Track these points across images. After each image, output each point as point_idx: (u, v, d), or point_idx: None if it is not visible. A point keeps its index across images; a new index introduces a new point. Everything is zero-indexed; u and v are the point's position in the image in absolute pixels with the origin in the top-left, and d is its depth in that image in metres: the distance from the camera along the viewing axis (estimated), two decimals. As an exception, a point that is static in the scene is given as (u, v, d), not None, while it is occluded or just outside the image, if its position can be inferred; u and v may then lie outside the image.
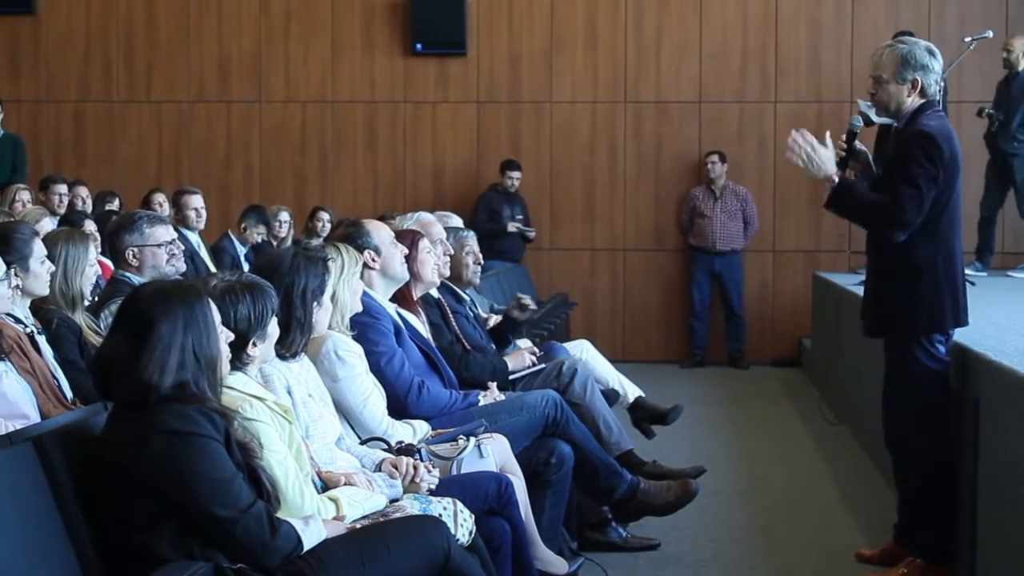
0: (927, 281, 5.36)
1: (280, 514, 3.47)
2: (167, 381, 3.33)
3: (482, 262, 7.20)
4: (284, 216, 11.46)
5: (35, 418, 4.42)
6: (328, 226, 11.39)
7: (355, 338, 4.89)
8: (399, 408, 5.07)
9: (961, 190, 5.48)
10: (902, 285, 5.40)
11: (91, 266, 5.39)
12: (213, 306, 3.52)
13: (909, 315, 5.38)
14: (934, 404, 5.45)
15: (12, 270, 4.72)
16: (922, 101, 5.44)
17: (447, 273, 6.62)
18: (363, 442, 4.67)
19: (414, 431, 4.92)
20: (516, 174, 12.94)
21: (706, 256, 12.87)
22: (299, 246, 4.88)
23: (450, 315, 6.36)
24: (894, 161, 5.47)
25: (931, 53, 5.48)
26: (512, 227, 12.73)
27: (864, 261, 5.98)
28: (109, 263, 6.45)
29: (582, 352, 6.97)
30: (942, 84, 9.07)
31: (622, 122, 13.26)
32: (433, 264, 5.95)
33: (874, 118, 5.79)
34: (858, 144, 5.72)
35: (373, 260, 5.39)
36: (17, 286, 4.74)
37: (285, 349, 4.24)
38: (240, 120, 13.57)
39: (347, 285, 4.75)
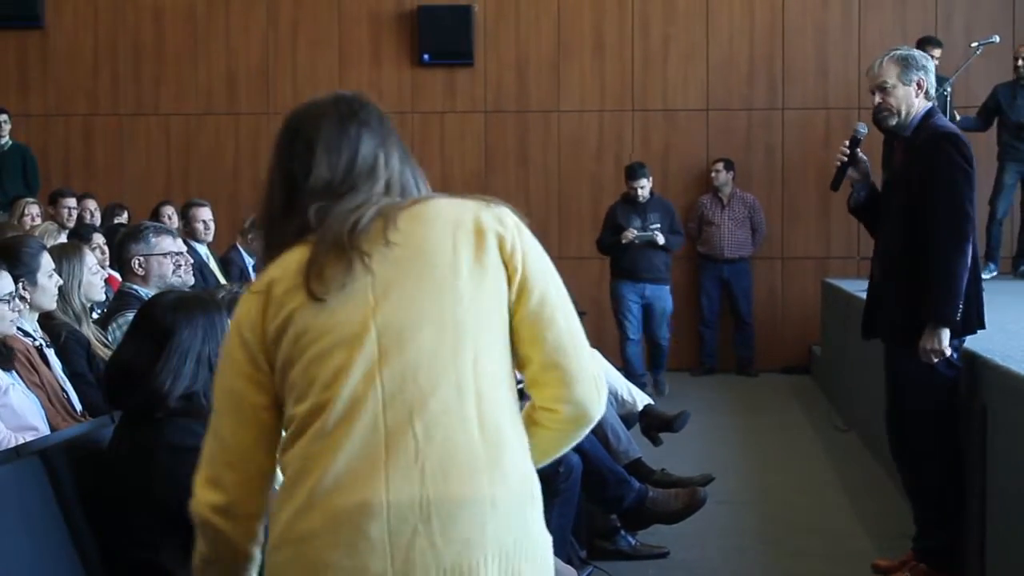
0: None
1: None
2: (179, 389, 3.33)
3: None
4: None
5: (44, 430, 4.43)
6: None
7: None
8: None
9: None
10: (925, 283, 5.38)
11: (93, 274, 5.40)
12: (229, 320, 3.53)
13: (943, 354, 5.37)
14: (945, 410, 5.45)
15: (20, 284, 4.74)
16: (928, 105, 5.50)
17: None
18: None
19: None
20: (641, 183, 11.42)
21: (714, 264, 12.85)
22: None
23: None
24: (916, 167, 5.45)
25: (926, 57, 5.58)
26: (628, 235, 11.24)
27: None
28: (117, 276, 6.47)
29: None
30: (948, 91, 9.15)
31: (630, 130, 13.27)
32: None
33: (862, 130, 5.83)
34: (860, 152, 5.74)
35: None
36: (23, 297, 4.76)
37: None
38: (248, 132, 13.59)
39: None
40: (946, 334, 5.30)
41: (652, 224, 11.32)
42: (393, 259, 2.30)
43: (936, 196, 5.35)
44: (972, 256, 5.41)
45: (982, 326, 5.49)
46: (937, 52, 10.34)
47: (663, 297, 11.54)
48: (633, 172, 11.50)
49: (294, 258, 2.33)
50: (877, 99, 5.53)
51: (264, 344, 2.34)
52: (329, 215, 2.33)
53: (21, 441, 4.15)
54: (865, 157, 5.78)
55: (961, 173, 5.34)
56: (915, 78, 5.49)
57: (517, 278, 2.37)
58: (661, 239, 11.30)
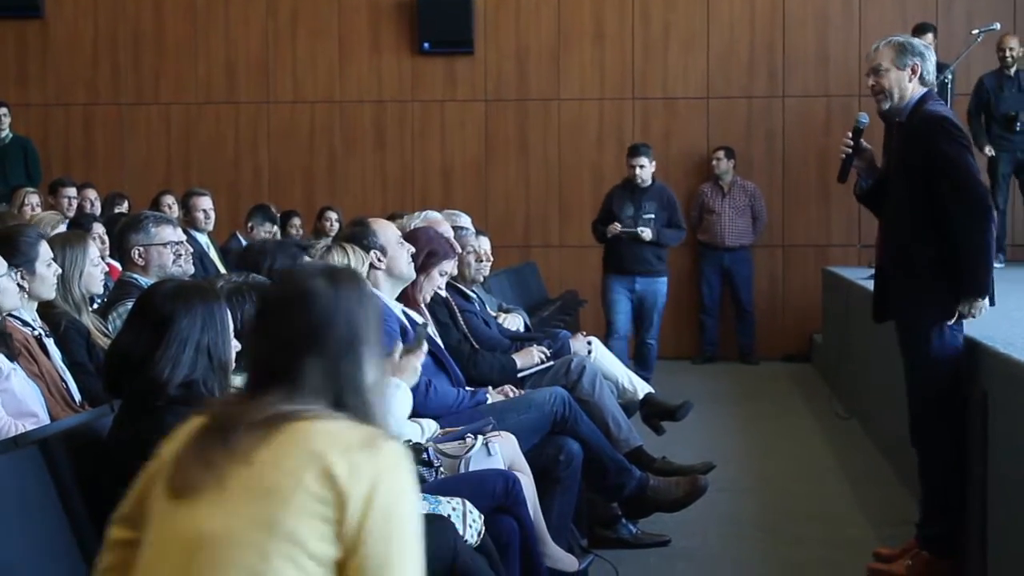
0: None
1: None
2: (178, 377, 3.32)
3: (486, 259, 7.23)
4: (296, 221, 11.58)
5: (44, 417, 4.43)
6: (337, 226, 11.42)
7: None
8: (407, 407, 5.07)
9: None
10: (933, 269, 5.39)
11: (95, 266, 5.38)
12: (228, 310, 3.52)
13: (944, 298, 5.39)
14: (948, 396, 5.45)
15: (18, 273, 4.73)
16: (924, 90, 5.50)
17: (484, 274, 7.04)
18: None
19: (422, 430, 4.92)
20: (640, 161, 10.57)
21: (715, 252, 12.85)
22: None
23: (458, 314, 6.36)
24: (913, 153, 5.46)
25: (926, 47, 5.58)
26: (613, 229, 10.46)
27: (872, 254, 5.97)
28: (118, 265, 6.46)
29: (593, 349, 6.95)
30: (949, 78, 9.14)
31: (630, 119, 13.26)
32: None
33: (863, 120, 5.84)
34: (863, 141, 5.75)
35: (379, 260, 5.38)
36: (22, 287, 4.75)
37: None
38: (248, 121, 13.58)
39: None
40: (984, 303, 5.38)
41: (646, 214, 10.51)
42: (246, 479, 2.28)
43: (945, 183, 5.34)
44: None
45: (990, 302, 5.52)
46: (929, 37, 10.35)
47: (656, 289, 10.67)
48: (635, 150, 10.75)
49: (189, 431, 2.41)
50: (871, 81, 5.57)
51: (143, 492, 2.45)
52: (224, 407, 2.41)
53: (22, 429, 4.15)
54: (869, 146, 5.79)
55: (960, 150, 5.35)
56: (909, 63, 5.50)
57: (348, 538, 2.24)
58: (648, 235, 10.43)
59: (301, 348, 2.38)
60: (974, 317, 5.42)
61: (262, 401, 2.35)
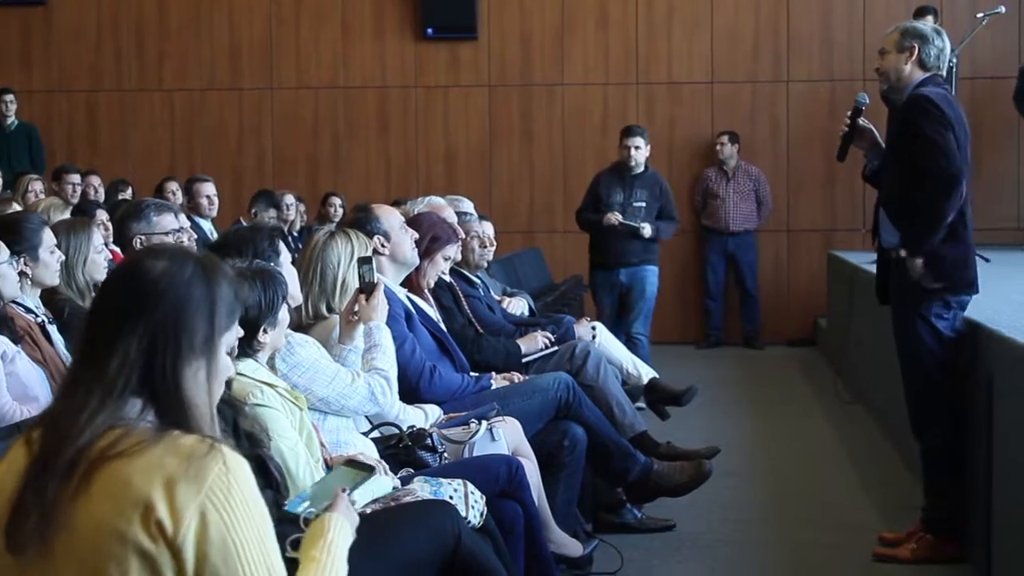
0: (949, 246, 5.37)
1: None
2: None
3: (489, 245, 7.22)
4: (289, 199, 11.48)
5: (47, 402, 4.42)
6: (340, 211, 11.45)
7: (366, 323, 4.89)
8: (411, 393, 5.07)
9: (969, 157, 5.50)
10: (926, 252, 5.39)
11: (98, 253, 5.38)
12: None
13: (929, 280, 5.38)
14: (944, 379, 5.45)
15: (22, 259, 4.73)
16: (924, 75, 5.49)
17: (488, 259, 7.06)
18: (375, 427, 4.67)
19: (426, 415, 4.92)
20: (636, 141, 9.97)
21: (720, 237, 12.84)
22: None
23: (462, 299, 6.36)
24: (900, 133, 5.48)
25: (936, 31, 5.57)
26: (611, 219, 9.80)
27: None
28: (121, 252, 6.45)
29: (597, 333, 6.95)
30: (953, 62, 9.14)
31: (634, 104, 13.23)
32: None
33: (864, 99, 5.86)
34: (864, 121, 5.76)
35: (382, 246, 5.38)
36: (25, 273, 4.75)
37: None
38: (252, 107, 13.57)
39: (356, 271, 4.73)
40: (918, 263, 5.35)
41: (636, 201, 9.89)
42: (71, 548, 2.10)
43: (922, 161, 5.35)
44: (961, 218, 5.41)
45: (972, 289, 5.48)
46: (929, 20, 10.33)
47: (643, 278, 9.98)
48: (630, 131, 10.15)
49: (18, 464, 2.18)
50: (876, 64, 5.62)
51: None
52: (46, 429, 2.18)
53: (26, 413, 4.16)
54: (871, 126, 5.79)
55: (936, 129, 5.32)
56: (907, 45, 5.51)
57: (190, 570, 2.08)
58: (648, 231, 9.83)
59: (115, 325, 2.18)
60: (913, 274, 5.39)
61: (71, 415, 2.14)
